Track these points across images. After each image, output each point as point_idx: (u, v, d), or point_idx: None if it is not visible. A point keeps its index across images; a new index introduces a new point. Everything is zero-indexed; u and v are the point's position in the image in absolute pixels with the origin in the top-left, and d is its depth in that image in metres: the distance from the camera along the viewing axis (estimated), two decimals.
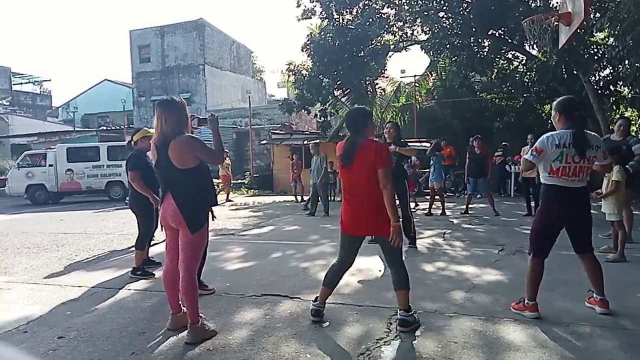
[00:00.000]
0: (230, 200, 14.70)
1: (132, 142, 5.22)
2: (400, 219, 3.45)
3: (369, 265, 5.22)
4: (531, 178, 9.09)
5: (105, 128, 24.83)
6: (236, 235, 7.76)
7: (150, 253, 5.57)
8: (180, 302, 3.45)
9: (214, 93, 29.81)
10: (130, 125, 25.75)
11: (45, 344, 3.23)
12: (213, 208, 3.75)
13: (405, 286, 3.30)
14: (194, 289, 3.24)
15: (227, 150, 16.64)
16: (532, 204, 9.18)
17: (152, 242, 5.70)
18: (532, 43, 7.95)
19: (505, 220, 8.93)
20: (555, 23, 7.91)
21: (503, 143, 14.40)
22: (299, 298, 4.08)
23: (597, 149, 3.44)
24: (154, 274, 5.06)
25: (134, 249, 5.22)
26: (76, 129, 27.67)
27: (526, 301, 3.52)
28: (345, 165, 3.26)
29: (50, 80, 73.78)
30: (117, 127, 24.63)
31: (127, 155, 5.27)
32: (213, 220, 3.74)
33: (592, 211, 3.57)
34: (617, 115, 15.01)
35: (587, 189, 3.63)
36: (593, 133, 3.56)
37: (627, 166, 5.73)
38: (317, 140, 15.26)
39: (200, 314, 3.29)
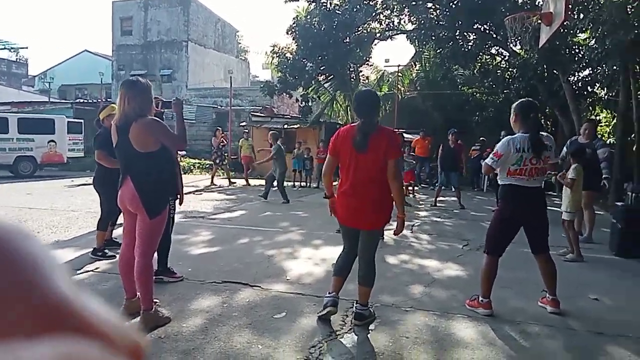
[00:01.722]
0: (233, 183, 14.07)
1: (100, 120, 5.09)
2: None
3: (334, 255, 5.22)
4: None
5: (81, 100, 24.20)
6: (205, 218, 7.70)
7: (114, 234, 5.48)
8: (135, 288, 3.41)
9: (196, 71, 29.26)
10: (108, 99, 25.17)
11: None
12: (184, 192, 3.70)
13: (371, 284, 3.31)
14: (149, 275, 3.20)
15: (247, 131, 15.81)
16: None
17: (118, 223, 5.60)
18: (513, 40, 7.93)
19: (475, 215, 9.06)
20: (538, 22, 7.97)
21: (481, 138, 14.55)
22: (259, 287, 4.08)
23: (550, 149, 3.55)
24: (114, 256, 4.97)
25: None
26: (52, 100, 26.88)
27: (480, 298, 3.58)
28: (359, 152, 3.11)
29: (27, 47, 71.32)
30: (94, 100, 24.06)
31: (95, 133, 5.15)
32: (180, 204, 3.70)
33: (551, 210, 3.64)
34: (592, 117, 15.34)
35: (543, 188, 3.71)
36: (545, 134, 3.64)
37: (603, 179, 5.89)
38: (274, 132, 15.06)
39: (156, 300, 3.26)
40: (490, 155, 3.59)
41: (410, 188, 11.52)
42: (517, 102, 3.79)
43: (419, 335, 3.14)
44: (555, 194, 10.03)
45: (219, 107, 24.46)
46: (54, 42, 77.57)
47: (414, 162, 12.22)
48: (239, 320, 3.32)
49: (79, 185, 12.85)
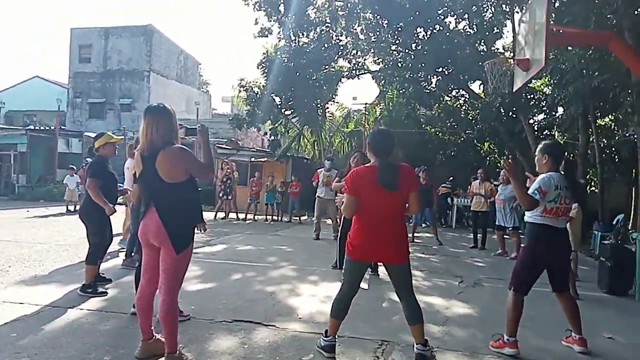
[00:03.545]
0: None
1: (94, 149, 4.81)
2: None
3: (336, 291, 5.09)
4: (480, 211, 9.49)
5: (34, 128, 23.03)
6: None
7: (101, 268, 5.09)
8: (152, 328, 3.14)
9: (158, 101, 28.45)
10: (62, 127, 24.12)
11: None
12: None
13: (420, 319, 3.20)
14: (175, 315, 2.97)
15: (232, 163, 14.84)
16: (479, 236, 9.54)
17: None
18: (491, 84, 8.28)
19: (454, 251, 9.17)
20: (513, 67, 8.37)
21: (451, 177, 14.94)
22: (274, 326, 3.88)
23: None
24: (106, 292, 4.63)
25: (76, 262, 4.76)
26: (1, 126, 25.45)
27: (506, 337, 3.54)
28: (392, 191, 3.10)
29: None
30: (48, 127, 22.94)
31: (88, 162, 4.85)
32: (204, 232, 3.52)
33: None
34: None
35: (567, 228, 3.78)
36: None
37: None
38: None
39: (180, 343, 3.01)
40: (535, 191, 3.55)
41: None
42: (545, 144, 3.81)
43: None
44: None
45: (183, 138, 23.96)
46: (2, 67, 74.12)
47: None
48: None
49: (35, 216, 12.05)
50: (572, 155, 13.95)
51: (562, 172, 3.69)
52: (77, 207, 13.76)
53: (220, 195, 13.21)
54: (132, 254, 5.95)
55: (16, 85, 36.22)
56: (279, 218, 13.89)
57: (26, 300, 4.29)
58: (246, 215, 13.45)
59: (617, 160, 13.86)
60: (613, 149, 13.95)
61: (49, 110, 30.26)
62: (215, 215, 13.31)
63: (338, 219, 9.18)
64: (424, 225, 12.57)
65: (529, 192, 3.53)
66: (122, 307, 4.12)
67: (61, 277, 5.28)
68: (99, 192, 4.54)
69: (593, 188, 13.63)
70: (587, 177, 13.19)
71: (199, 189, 3.29)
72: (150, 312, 3.10)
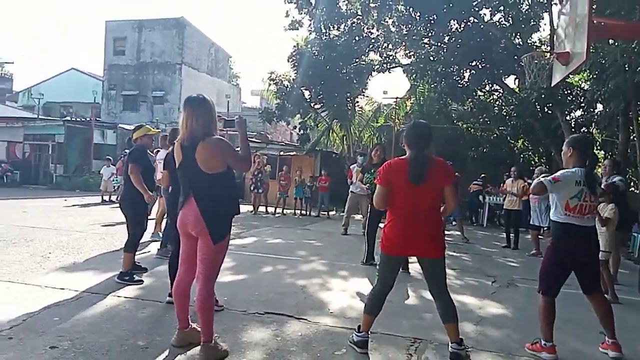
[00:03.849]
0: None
1: (132, 140, 4.92)
2: None
3: (366, 288, 5.07)
4: (513, 211, 9.27)
5: (71, 119, 23.74)
6: None
7: (136, 257, 5.21)
8: (189, 317, 3.19)
9: (189, 94, 29.00)
10: (97, 119, 24.77)
11: (36, 354, 2.90)
12: None
13: (455, 318, 3.16)
14: (211, 304, 3.01)
15: (264, 157, 14.73)
16: (512, 236, 9.32)
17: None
18: (529, 78, 8.05)
19: (486, 250, 9.01)
20: (551, 60, 8.11)
21: (482, 175, 14.64)
22: (306, 319, 3.89)
23: (600, 186, 3.52)
24: (142, 281, 4.74)
25: (111, 250, 4.88)
26: (39, 116, 26.31)
27: (543, 342, 3.43)
28: (417, 184, 3.07)
29: (12, 62, 70.20)
30: (84, 119, 23.60)
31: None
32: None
33: None
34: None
35: (596, 227, 3.66)
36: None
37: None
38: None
39: (215, 332, 3.04)
40: (549, 178, 3.48)
41: None
42: (572, 137, 3.74)
43: None
44: None
45: (222, 130, 24.32)
46: (40, 59, 76.58)
47: None
48: (300, 356, 3.13)
49: (73, 205, 12.43)
50: (611, 153, 13.50)
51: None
52: (112, 197, 14.16)
53: (252, 188, 13.23)
54: (167, 245, 6.07)
55: (53, 77, 37.37)
56: (308, 212, 13.92)
57: (67, 286, 4.43)
58: (275, 209, 13.52)
59: None
60: None
61: (84, 102, 31.14)
62: (254, 209, 13.18)
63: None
64: (453, 223, 12.38)
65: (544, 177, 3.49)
66: (158, 296, 4.20)
67: (98, 265, 5.43)
68: (140, 178, 4.66)
69: (633, 188, 13.16)
70: (627, 176, 12.73)
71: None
72: (187, 301, 3.15)
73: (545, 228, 8.31)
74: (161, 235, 6.63)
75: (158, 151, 7.12)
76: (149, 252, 6.37)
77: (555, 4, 12.60)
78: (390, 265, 3.28)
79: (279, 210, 13.53)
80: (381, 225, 6.77)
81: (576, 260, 3.49)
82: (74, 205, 12.40)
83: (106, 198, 14.46)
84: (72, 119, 23.15)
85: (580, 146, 3.59)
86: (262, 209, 13.54)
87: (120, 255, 4.93)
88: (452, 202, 3.27)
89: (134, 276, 4.72)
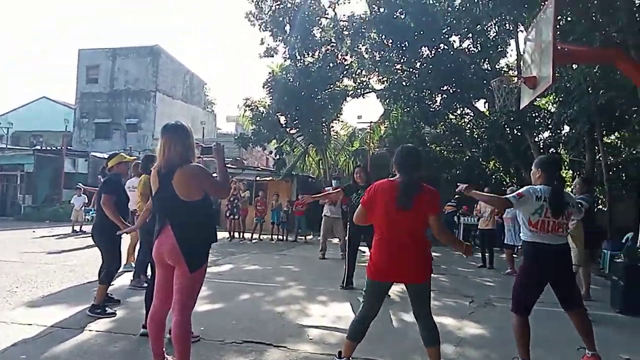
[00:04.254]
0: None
1: (107, 169, 4.84)
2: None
3: (346, 312, 5.05)
4: (487, 230, 9.42)
5: (41, 148, 23.21)
6: None
7: (109, 289, 5.06)
8: (164, 349, 3.10)
9: (163, 121, 28.37)
10: (69, 147, 24.29)
11: None
12: None
13: (438, 341, 3.16)
14: (188, 335, 2.93)
15: (244, 182, 14.91)
16: (487, 255, 9.46)
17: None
18: (498, 102, 8.29)
19: (463, 270, 9.07)
20: (519, 85, 8.38)
21: (456, 196, 14.84)
22: (285, 347, 3.82)
23: (572, 206, 3.62)
24: (114, 313, 4.59)
25: (83, 282, 4.73)
26: (7, 146, 25.66)
27: None
28: (405, 209, 3.05)
29: None
30: (55, 148, 23.11)
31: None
32: None
33: None
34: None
35: (568, 245, 3.73)
36: (567, 191, 3.72)
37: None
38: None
39: None
40: (514, 194, 3.56)
41: None
42: (539, 158, 3.84)
43: None
44: None
45: (199, 157, 24.13)
46: (8, 88, 75.11)
47: None
48: None
49: (42, 236, 12.05)
50: (578, 173, 13.92)
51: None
52: (83, 228, 13.77)
53: (228, 214, 13.13)
54: (140, 275, 5.93)
55: (24, 106, 36.66)
56: (285, 237, 13.83)
57: (35, 321, 4.25)
58: (252, 235, 13.39)
59: (624, 178, 13.79)
60: (620, 166, 13.90)
61: (55, 130, 30.58)
62: (230, 236, 13.13)
63: (345, 238, 9.15)
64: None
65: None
66: (131, 328, 4.07)
67: (69, 298, 5.24)
68: (114, 209, 4.56)
69: (600, 206, 13.55)
70: (595, 194, 13.11)
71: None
72: (162, 332, 3.07)
73: (519, 247, 8.44)
74: (134, 266, 6.47)
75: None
76: (121, 283, 6.19)
77: (521, 31, 13.14)
78: (375, 290, 3.25)
79: (255, 235, 13.41)
80: (361, 248, 6.81)
81: (547, 278, 3.55)
82: (42, 237, 12.02)
83: (77, 228, 14.04)
84: (42, 148, 22.61)
85: (546, 167, 3.69)
86: (236, 234, 13.40)
87: (91, 287, 4.80)
88: (437, 233, 3.15)
89: (107, 309, 4.57)
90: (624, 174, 13.82)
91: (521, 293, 3.56)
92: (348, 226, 6.81)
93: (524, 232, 3.61)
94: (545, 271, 3.51)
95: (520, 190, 3.57)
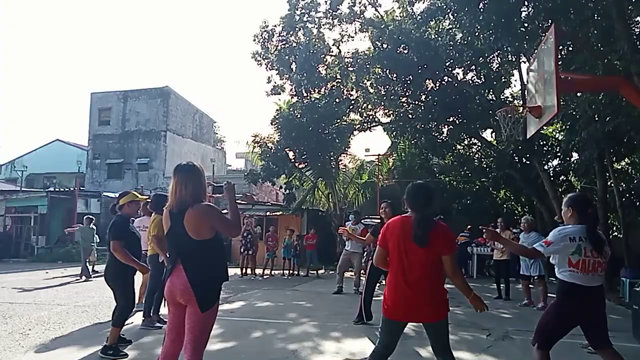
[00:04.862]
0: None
1: (117, 207, 4.89)
2: None
3: (361, 348, 4.96)
4: (502, 261, 9.29)
5: (54, 189, 23.56)
6: None
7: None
8: None
9: (174, 159, 29.35)
10: (82, 188, 24.62)
11: None
12: None
13: None
14: None
15: (255, 217, 15.11)
16: (502, 286, 9.30)
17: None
18: (505, 132, 8.33)
19: None
20: (524, 114, 8.43)
21: (468, 226, 14.73)
22: None
23: (607, 244, 3.52)
24: (127, 354, 4.55)
25: (95, 323, 4.71)
26: (22, 188, 26.09)
27: None
28: (421, 246, 3.05)
29: None
30: (68, 189, 23.46)
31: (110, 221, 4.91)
32: None
33: None
34: None
35: (603, 286, 3.64)
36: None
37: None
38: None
39: None
40: (541, 242, 3.53)
41: None
42: (570, 196, 3.73)
43: None
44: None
45: (210, 196, 24.31)
46: (23, 131, 76.85)
47: None
48: None
49: (54, 277, 12.08)
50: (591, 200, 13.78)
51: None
52: (95, 268, 13.55)
53: (242, 250, 13.14)
54: (151, 314, 5.90)
55: (38, 149, 37.47)
56: (297, 272, 13.72)
57: None
58: (264, 271, 13.30)
59: (637, 204, 13.60)
60: (632, 192, 13.74)
61: (68, 172, 31.10)
62: (242, 271, 13.12)
63: (362, 273, 9.02)
64: None
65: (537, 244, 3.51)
66: None
67: (81, 340, 5.22)
68: (126, 253, 4.56)
69: (616, 233, 13.34)
70: (609, 222, 12.93)
71: None
72: None
73: (535, 277, 8.32)
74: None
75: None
76: (131, 322, 6.15)
77: (524, 61, 13.33)
78: (391, 328, 3.21)
79: (267, 271, 13.33)
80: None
81: (580, 319, 3.47)
82: (55, 277, 12.05)
83: (89, 267, 13.87)
84: (56, 190, 22.95)
85: (578, 206, 3.59)
86: (249, 270, 13.34)
87: (104, 327, 4.78)
88: (451, 275, 3.12)
89: (119, 350, 4.54)
90: (637, 200, 13.64)
91: (550, 330, 3.47)
92: (370, 263, 6.74)
93: (561, 270, 3.49)
94: (582, 313, 3.43)
95: (547, 238, 3.49)
